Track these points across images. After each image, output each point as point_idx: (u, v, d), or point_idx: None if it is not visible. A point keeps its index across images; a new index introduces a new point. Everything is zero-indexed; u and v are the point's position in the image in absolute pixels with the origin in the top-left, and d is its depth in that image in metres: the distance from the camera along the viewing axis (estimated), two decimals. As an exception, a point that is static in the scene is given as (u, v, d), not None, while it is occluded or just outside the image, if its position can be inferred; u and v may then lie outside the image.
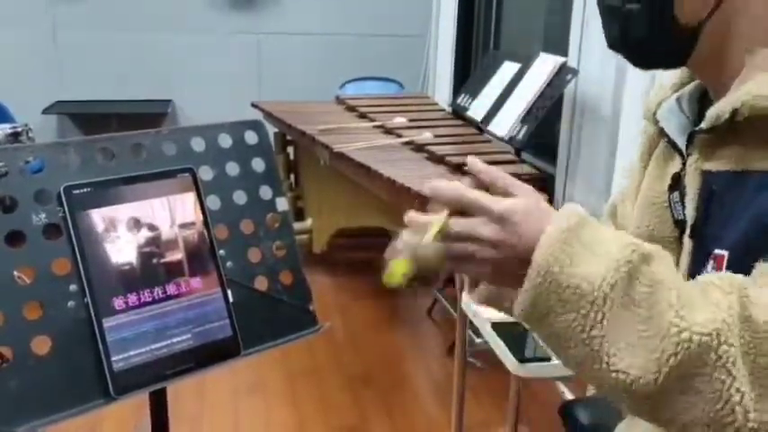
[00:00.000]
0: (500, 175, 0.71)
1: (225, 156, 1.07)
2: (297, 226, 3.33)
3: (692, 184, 0.76)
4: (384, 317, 3.13)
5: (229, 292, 1.00)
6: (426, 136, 2.83)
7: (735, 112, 0.69)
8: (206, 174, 1.04)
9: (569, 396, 2.20)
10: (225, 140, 1.07)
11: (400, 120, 3.09)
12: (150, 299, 0.94)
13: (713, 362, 0.59)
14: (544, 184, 2.56)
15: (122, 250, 0.94)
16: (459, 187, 0.68)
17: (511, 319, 0.73)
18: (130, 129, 1.04)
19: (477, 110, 3.05)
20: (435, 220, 0.68)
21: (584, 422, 1.19)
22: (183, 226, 0.99)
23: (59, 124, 4.30)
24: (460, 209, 0.67)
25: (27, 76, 4.09)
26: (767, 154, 0.68)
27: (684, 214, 0.78)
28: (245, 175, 1.07)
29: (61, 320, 0.88)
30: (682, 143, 0.80)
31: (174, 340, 0.95)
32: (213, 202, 1.03)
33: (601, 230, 0.66)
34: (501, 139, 2.75)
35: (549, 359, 1.53)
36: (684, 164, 0.78)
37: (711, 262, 0.71)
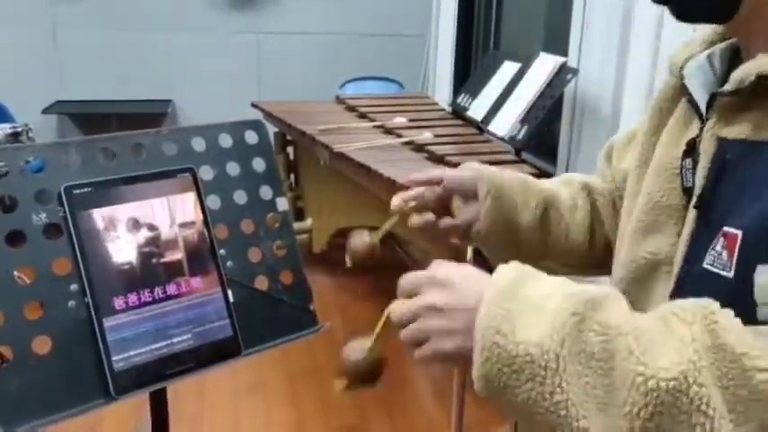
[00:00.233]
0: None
1: (225, 156, 1.07)
2: (297, 226, 3.33)
3: (706, 151, 0.72)
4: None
5: (230, 292, 1.00)
6: (426, 136, 2.83)
7: (761, 77, 0.64)
8: (206, 174, 1.04)
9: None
10: (225, 140, 1.07)
11: (400, 120, 3.10)
12: (150, 299, 0.94)
13: (687, 406, 0.53)
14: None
15: (123, 250, 0.94)
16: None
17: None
18: (130, 129, 1.04)
19: (477, 110, 3.05)
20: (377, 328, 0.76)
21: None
22: (184, 226, 0.99)
23: (59, 124, 4.30)
24: (412, 291, 0.71)
25: (27, 76, 4.10)
26: None
27: (694, 182, 0.73)
28: (245, 175, 1.07)
29: (62, 320, 0.88)
30: (702, 104, 0.76)
31: (175, 340, 0.95)
32: (213, 201, 1.03)
33: (541, 283, 0.64)
34: (501, 139, 2.75)
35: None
36: (702, 129, 0.74)
37: (722, 240, 0.65)
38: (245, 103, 3.57)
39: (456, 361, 0.66)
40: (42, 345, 0.86)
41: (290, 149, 3.65)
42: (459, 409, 2.09)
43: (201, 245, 1.00)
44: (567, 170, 2.68)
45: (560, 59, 2.68)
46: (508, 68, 3.01)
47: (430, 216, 0.97)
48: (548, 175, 2.74)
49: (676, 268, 0.73)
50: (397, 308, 0.71)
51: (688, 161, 0.75)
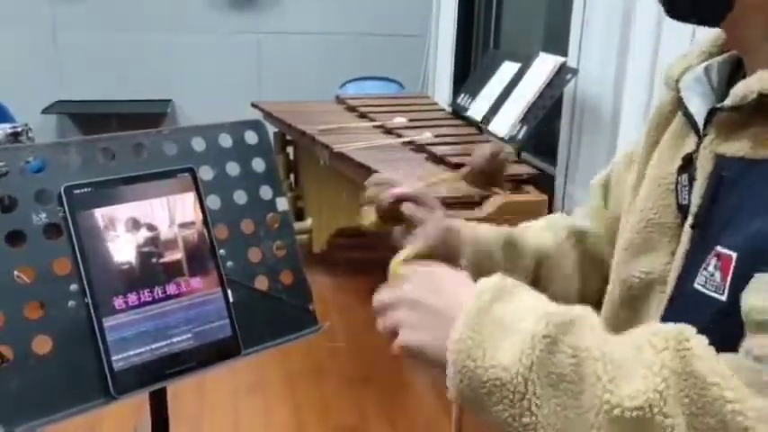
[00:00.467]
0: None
1: (225, 155, 1.07)
2: (297, 226, 3.33)
3: (703, 168, 0.70)
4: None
5: (229, 292, 1.00)
6: (426, 136, 2.83)
7: (763, 95, 0.63)
8: (206, 174, 1.04)
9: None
10: (225, 140, 1.07)
11: (400, 120, 3.10)
12: (150, 298, 0.94)
13: None
14: (544, 184, 2.56)
15: (123, 250, 0.94)
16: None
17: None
18: (130, 129, 1.04)
19: (477, 110, 3.05)
20: None
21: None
22: (184, 226, 0.99)
23: (59, 124, 4.30)
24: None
25: (27, 76, 4.10)
26: None
27: (689, 200, 0.71)
28: (245, 175, 1.07)
29: (62, 320, 0.88)
30: (700, 119, 0.74)
31: (175, 340, 0.95)
32: (213, 201, 1.03)
33: (517, 301, 0.63)
34: (501, 139, 2.75)
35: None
36: (699, 144, 0.72)
37: (715, 261, 0.64)
38: (245, 103, 3.57)
39: (424, 361, 0.66)
40: (42, 344, 0.86)
41: (290, 149, 3.65)
42: (459, 410, 2.08)
43: (201, 245, 1.00)
44: (566, 170, 2.68)
45: (560, 59, 2.68)
46: (508, 68, 3.01)
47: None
48: (548, 175, 2.74)
49: (669, 288, 0.72)
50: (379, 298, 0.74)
51: (684, 177, 0.73)
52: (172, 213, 0.98)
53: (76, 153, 0.95)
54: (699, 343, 0.56)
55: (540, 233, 0.98)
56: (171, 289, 0.96)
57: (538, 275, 0.94)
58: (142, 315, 0.93)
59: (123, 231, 0.94)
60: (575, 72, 2.59)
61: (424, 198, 0.94)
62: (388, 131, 3.00)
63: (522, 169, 2.50)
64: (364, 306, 2.89)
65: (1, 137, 2.84)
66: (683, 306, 0.69)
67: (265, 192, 1.09)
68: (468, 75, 3.74)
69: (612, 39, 2.38)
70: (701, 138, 0.72)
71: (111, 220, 0.93)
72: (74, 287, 0.89)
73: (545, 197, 2.39)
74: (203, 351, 0.97)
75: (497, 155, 0.97)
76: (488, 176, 0.99)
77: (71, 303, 0.89)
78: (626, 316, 0.79)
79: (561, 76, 2.63)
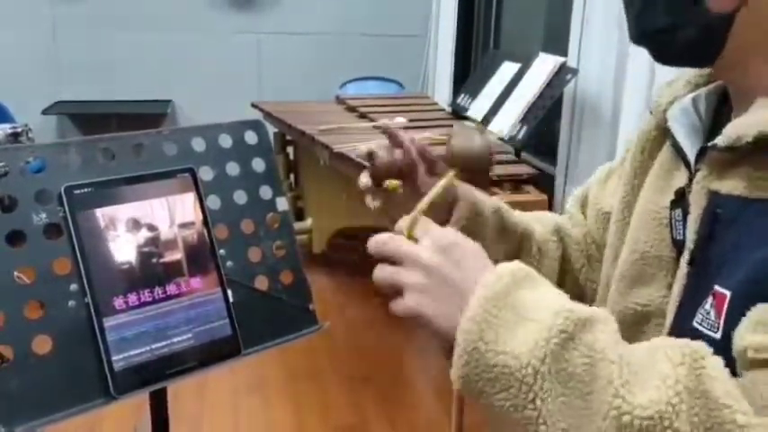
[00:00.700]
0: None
1: (225, 156, 1.07)
2: (297, 226, 3.33)
3: (696, 204, 0.69)
4: (384, 316, 3.13)
5: (229, 292, 1.00)
6: (426, 136, 2.83)
7: (761, 137, 0.61)
8: (206, 174, 1.04)
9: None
10: (225, 140, 1.07)
11: (400, 120, 3.10)
12: (150, 298, 0.94)
13: None
14: (544, 184, 2.56)
15: (123, 250, 0.94)
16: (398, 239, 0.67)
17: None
18: (130, 129, 1.05)
19: (477, 110, 3.05)
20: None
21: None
22: (184, 226, 0.99)
23: (59, 124, 4.30)
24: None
25: (27, 77, 4.10)
26: None
27: (684, 235, 0.71)
28: (245, 175, 1.08)
29: (62, 320, 0.88)
30: (690, 153, 0.73)
31: (175, 340, 0.95)
32: (213, 201, 1.03)
33: (537, 290, 0.61)
34: (501, 139, 2.75)
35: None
36: (691, 179, 0.71)
37: (711, 299, 0.63)
38: (245, 104, 3.57)
39: (430, 331, 0.63)
40: (42, 344, 0.86)
41: (290, 149, 3.65)
42: (459, 409, 2.09)
43: (201, 245, 1.00)
44: (566, 170, 2.68)
45: (560, 59, 2.68)
46: (508, 68, 3.01)
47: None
48: (548, 175, 2.74)
49: (668, 322, 0.71)
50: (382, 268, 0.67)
51: (677, 212, 0.73)
52: (172, 213, 0.98)
53: (76, 153, 0.95)
54: (714, 363, 0.56)
55: (527, 218, 0.98)
56: (171, 289, 0.96)
57: (521, 251, 0.93)
58: (142, 315, 0.93)
59: (123, 231, 0.94)
60: (575, 72, 2.59)
61: (423, 151, 0.90)
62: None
63: (522, 169, 2.50)
64: (364, 306, 2.92)
65: (1, 137, 2.85)
66: None
67: (265, 192, 1.09)
68: (468, 75, 3.75)
69: (612, 39, 2.38)
70: (691, 172, 0.72)
71: (111, 221, 0.93)
72: (74, 287, 0.89)
73: (545, 197, 2.39)
74: (203, 351, 0.97)
75: (489, 151, 0.82)
76: (472, 175, 0.84)
77: (71, 303, 0.89)
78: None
79: (561, 76, 2.63)
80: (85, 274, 0.90)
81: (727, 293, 0.62)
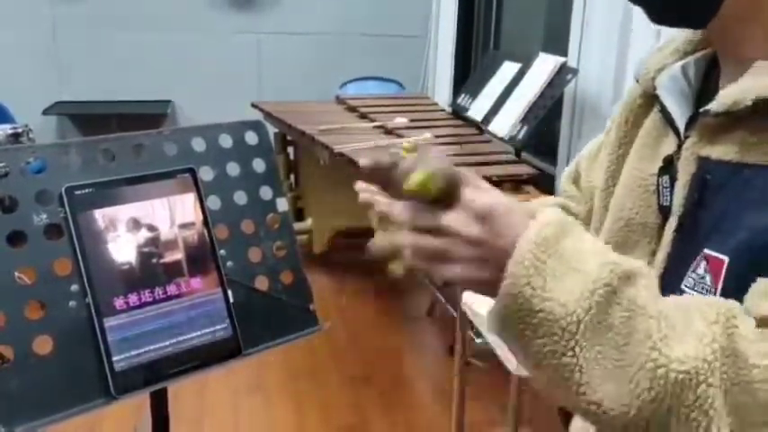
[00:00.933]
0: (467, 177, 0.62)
1: (225, 156, 1.07)
2: (297, 226, 3.34)
3: (684, 170, 0.70)
4: (384, 317, 3.13)
5: (230, 292, 1.00)
6: (426, 136, 2.84)
7: (759, 101, 0.61)
8: (206, 174, 1.04)
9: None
10: (225, 141, 1.07)
11: (401, 120, 3.10)
12: (151, 299, 0.94)
13: (691, 402, 0.54)
14: (544, 184, 2.56)
15: (123, 250, 0.94)
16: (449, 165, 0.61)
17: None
18: (130, 129, 1.05)
19: (477, 110, 3.05)
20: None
21: (584, 422, 1.19)
22: (184, 226, 0.99)
23: (59, 125, 4.30)
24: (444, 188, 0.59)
25: (27, 77, 4.10)
26: None
27: (671, 201, 0.71)
28: (245, 176, 1.08)
29: (62, 320, 0.88)
30: (680, 120, 0.73)
31: (175, 340, 0.95)
32: (214, 202, 1.04)
33: (581, 240, 0.60)
34: (501, 139, 2.75)
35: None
36: (680, 146, 0.71)
37: (704, 264, 0.65)
38: (246, 104, 3.58)
39: (480, 288, 0.61)
40: (43, 345, 0.86)
41: (290, 150, 3.66)
42: (459, 410, 2.09)
43: (202, 245, 1.00)
44: (566, 170, 2.68)
45: (560, 59, 2.68)
46: (508, 68, 3.01)
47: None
48: (548, 175, 2.74)
49: None
50: (425, 217, 0.60)
51: (665, 179, 0.73)
52: (172, 214, 0.99)
53: (77, 154, 0.95)
54: (745, 323, 0.57)
55: (531, 203, 0.98)
56: (171, 289, 0.96)
57: None
58: (143, 315, 0.93)
59: (124, 232, 0.94)
60: (575, 72, 2.59)
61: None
62: (389, 132, 3.01)
63: (522, 169, 2.51)
64: (364, 306, 2.92)
65: (2, 138, 2.85)
66: None
67: (265, 192, 1.09)
68: (468, 75, 3.74)
69: (612, 39, 2.38)
70: (680, 138, 0.72)
71: (111, 221, 0.94)
72: (74, 287, 0.89)
73: (545, 197, 2.39)
74: (204, 351, 0.97)
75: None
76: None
77: (72, 304, 0.89)
78: None
79: (561, 76, 2.63)
80: (86, 275, 0.90)
81: (725, 259, 0.63)
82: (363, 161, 0.74)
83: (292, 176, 3.69)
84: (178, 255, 0.98)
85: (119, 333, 0.91)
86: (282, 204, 1.10)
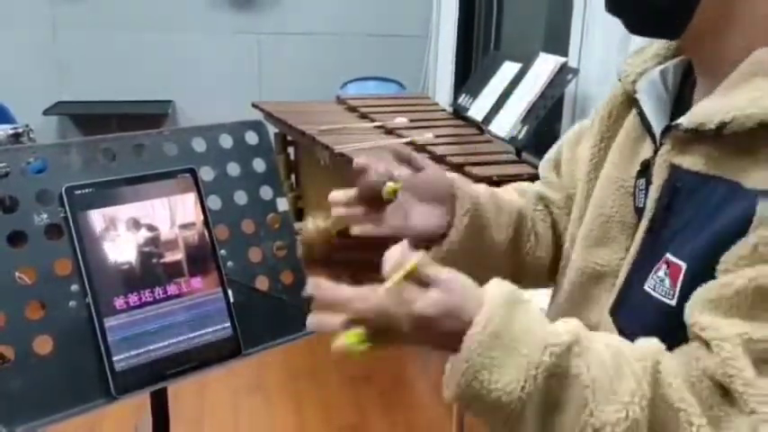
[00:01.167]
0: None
1: (226, 156, 1.07)
2: (297, 226, 3.33)
3: (658, 176, 0.75)
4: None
5: (230, 292, 1.00)
6: (427, 136, 2.83)
7: (723, 125, 0.66)
8: (207, 174, 1.04)
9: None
10: (226, 141, 1.08)
11: (401, 120, 3.10)
12: (151, 299, 0.94)
13: None
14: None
15: (124, 250, 0.94)
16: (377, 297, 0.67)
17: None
18: (131, 129, 1.05)
19: (477, 110, 3.05)
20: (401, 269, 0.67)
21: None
22: (184, 226, 0.99)
23: (60, 125, 4.30)
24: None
25: (28, 77, 4.10)
26: (743, 165, 0.66)
27: (645, 203, 0.76)
28: (245, 176, 1.08)
29: (63, 320, 0.88)
30: (656, 127, 0.78)
31: (175, 340, 0.95)
32: (214, 202, 1.04)
33: (526, 319, 0.65)
34: (502, 140, 2.75)
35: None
36: (656, 151, 0.76)
37: (665, 267, 0.70)
38: (246, 104, 3.57)
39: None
40: (43, 345, 0.86)
41: (290, 150, 3.65)
42: (459, 409, 2.09)
43: (202, 245, 1.00)
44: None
45: (561, 59, 2.68)
46: (509, 69, 3.01)
47: (368, 228, 0.94)
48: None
49: (619, 283, 0.78)
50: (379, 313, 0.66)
51: (641, 182, 0.78)
52: (173, 214, 0.99)
53: (77, 154, 0.95)
54: (669, 369, 0.63)
55: (512, 195, 1.01)
56: (171, 289, 0.96)
57: (518, 231, 0.96)
58: (143, 315, 0.93)
59: (124, 232, 0.94)
60: (575, 72, 2.59)
61: (413, 159, 0.92)
62: (389, 132, 3.00)
63: (523, 169, 2.50)
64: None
65: (2, 138, 2.85)
66: (632, 304, 0.75)
67: (266, 192, 1.09)
68: (468, 75, 3.74)
69: (613, 39, 2.38)
70: (656, 144, 0.77)
71: (111, 221, 0.94)
72: (75, 287, 0.90)
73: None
74: (204, 351, 0.97)
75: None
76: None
77: (72, 304, 0.89)
78: (579, 299, 0.86)
79: (562, 76, 2.63)
80: (86, 275, 0.90)
81: (683, 265, 0.68)
82: (358, 160, 0.81)
83: (293, 176, 3.69)
84: (178, 255, 0.98)
85: (119, 333, 0.91)
86: (283, 204, 1.10)
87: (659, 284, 0.70)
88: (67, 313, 0.89)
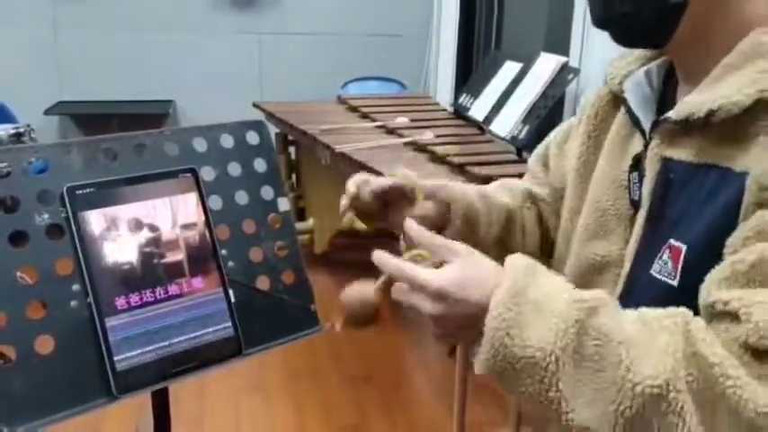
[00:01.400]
0: (432, 242, 0.73)
1: (227, 156, 1.07)
2: (298, 226, 3.34)
3: (651, 168, 0.78)
4: (385, 316, 3.13)
5: (231, 292, 1.01)
6: (428, 136, 2.84)
7: (711, 113, 0.70)
8: (208, 174, 1.04)
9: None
10: (227, 141, 1.08)
11: (402, 120, 3.10)
12: (152, 299, 0.94)
13: (665, 409, 0.62)
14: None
15: (125, 250, 0.94)
16: (398, 263, 0.71)
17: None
18: (132, 129, 1.05)
19: (478, 110, 3.05)
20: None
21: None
22: (186, 226, 0.99)
23: (61, 125, 4.31)
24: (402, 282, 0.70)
25: (29, 77, 4.11)
26: (731, 152, 0.70)
27: (640, 195, 0.80)
28: (246, 176, 1.08)
29: (64, 320, 0.88)
30: (645, 124, 0.82)
31: (176, 340, 0.95)
32: (215, 202, 1.04)
33: (547, 284, 0.68)
34: (503, 139, 2.75)
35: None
36: (647, 146, 0.80)
37: (668, 252, 0.74)
38: (247, 104, 3.58)
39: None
40: (45, 344, 0.86)
41: (291, 150, 3.66)
42: (460, 409, 2.09)
43: (203, 245, 1.00)
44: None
45: (562, 59, 2.68)
46: (509, 68, 3.01)
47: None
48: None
49: (625, 272, 0.82)
50: (398, 291, 0.71)
51: (634, 175, 0.82)
52: (174, 214, 0.99)
53: (79, 154, 0.95)
54: (698, 327, 0.65)
55: (499, 192, 1.05)
56: (173, 289, 0.96)
57: (507, 229, 1.01)
58: (144, 315, 0.93)
59: (125, 232, 0.94)
60: (576, 72, 2.59)
61: (406, 185, 0.96)
62: (390, 132, 3.01)
63: (523, 169, 2.50)
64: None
65: (3, 137, 2.85)
66: (642, 289, 0.78)
67: (267, 192, 1.09)
68: (469, 75, 3.74)
69: (614, 39, 2.38)
70: (646, 139, 0.81)
71: (113, 221, 0.94)
72: (76, 287, 0.90)
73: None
74: (205, 351, 0.97)
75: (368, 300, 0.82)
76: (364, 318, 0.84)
77: (73, 303, 0.89)
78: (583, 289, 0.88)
79: (563, 75, 2.63)
80: (87, 275, 0.90)
81: (683, 247, 0.72)
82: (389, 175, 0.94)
83: (294, 176, 3.69)
84: (179, 255, 0.98)
85: (120, 333, 0.91)
86: (284, 204, 1.10)
87: (663, 267, 0.74)
88: (69, 313, 0.89)
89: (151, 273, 0.95)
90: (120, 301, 0.92)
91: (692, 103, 0.73)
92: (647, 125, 0.82)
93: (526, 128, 2.65)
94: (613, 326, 0.65)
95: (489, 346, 0.65)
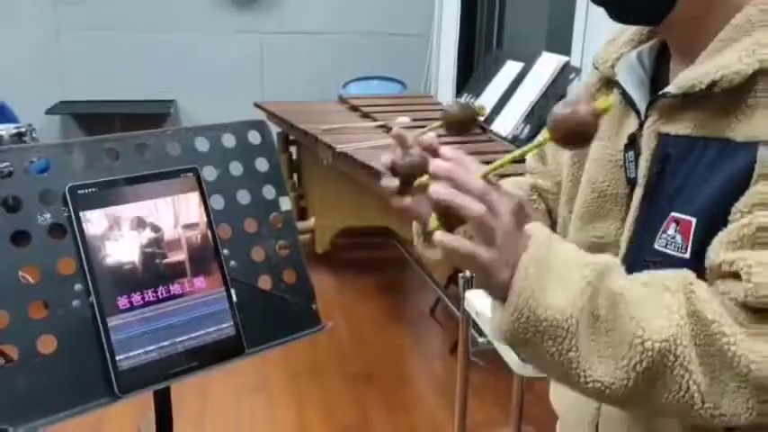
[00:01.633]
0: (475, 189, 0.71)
1: (228, 156, 1.07)
2: (300, 225, 3.34)
3: (647, 145, 0.80)
4: (387, 316, 3.13)
5: (233, 292, 1.01)
6: (429, 136, 2.83)
7: (713, 83, 0.71)
8: (210, 174, 1.04)
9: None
10: (228, 140, 1.08)
11: (403, 119, 3.10)
12: (154, 298, 0.95)
13: (672, 362, 0.66)
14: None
15: (127, 250, 0.94)
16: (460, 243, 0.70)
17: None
18: (133, 129, 1.05)
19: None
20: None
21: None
22: (188, 226, 0.99)
23: (63, 124, 4.32)
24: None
25: (31, 77, 4.11)
26: (730, 123, 0.72)
27: (636, 173, 0.82)
28: (248, 175, 1.08)
29: (66, 320, 0.88)
30: (640, 103, 0.83)
31: (178, 339, 0.95)
32: (217, 201, 1.04)
33: (562, 252, 0.70)
34: (504, 139, 2.75)
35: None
36: (642, 124, 0.82)
37: (674, 225, 0.76)
38: (248, 104, 3.58)
39: (481, 277, 0.71)
40: (47, 344, 0.86)
41: (292, 149, 3.66)
42: (461, 409, 2.09)
43: (205, 244, 1.00)
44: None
45: (563, 58, 2.68)
46: (511, 68, 3.01)
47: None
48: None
49: (623, 249, 0.83)
50: (443, 237, 0.69)
51: (630, 154, 0.83)
52: (176, 213, 0.99)
53: (80, 153, 0.95)
54: (700, 287, 0.68)
55: (509, 186, 1.03)
56: (175, 289, 0.97)
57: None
58: (146, 315, 0.93)
59: (128, 231, 0.94)
60: (578, 71, 2.59)
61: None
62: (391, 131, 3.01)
63: (524, 169, 2.50)
64: (367, 305, 2.91)
65: (5, 137, 2.86)
66: (642, 264, 0.79)
67: (268, 191, 1.09)
68: (471, 74, 3.74)
69: (615, 38, 2.38)
70: (641, 118, 0.83)
71: (115, 221, 0.94)
72: (78, 287, 0.90)
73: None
74: (207, 350, 0.97)
75: (467, 106, 1.00)
76: (463, 124, 1.03)
77: (75, 303, 0.89)
78: None
79: (564, 75, 2.63)
80: (90, 274, 0.90)
81: (693, 220, 0.74)
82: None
83: (295, 176, 3.70)
84: (181, 254, 0.98)
85: (122, 332, 0.91)
86: (285, 203, 1.10)
87: (671, 242, 0.76)
88: (71, 313, 0.89)
89: (153, 272, 0.95)
90: (123, 301, 0.92)
91: (691, 76, 0.74)
92: (642, 105, 0.83)
93: (527, 127, 2.65)
94: (623, 286, 0.68)
95: (514, 308, 0.67)
